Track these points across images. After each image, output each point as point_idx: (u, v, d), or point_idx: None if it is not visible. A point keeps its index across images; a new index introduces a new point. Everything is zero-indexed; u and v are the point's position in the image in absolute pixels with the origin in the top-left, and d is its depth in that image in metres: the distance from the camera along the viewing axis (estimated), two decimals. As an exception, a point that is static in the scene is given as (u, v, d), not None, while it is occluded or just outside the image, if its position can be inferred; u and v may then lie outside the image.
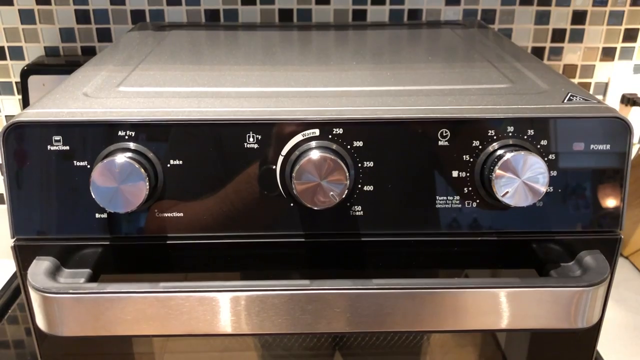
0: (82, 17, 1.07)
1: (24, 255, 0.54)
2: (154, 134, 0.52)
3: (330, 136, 0.52)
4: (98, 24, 1.07)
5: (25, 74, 1.02)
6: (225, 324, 0.51)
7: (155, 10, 1.06)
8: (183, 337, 0.70)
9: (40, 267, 0.53)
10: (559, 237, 0.56)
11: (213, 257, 0.56)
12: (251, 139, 0.53)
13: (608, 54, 1.09)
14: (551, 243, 0.56)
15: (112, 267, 0.55)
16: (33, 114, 0.52)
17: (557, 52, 1.09)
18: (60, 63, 1.08)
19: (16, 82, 1.11)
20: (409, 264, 0.56)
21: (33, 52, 1.09)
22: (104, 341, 0.61)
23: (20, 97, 1.11)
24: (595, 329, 0.58)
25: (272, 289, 0.51)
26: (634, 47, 1.09)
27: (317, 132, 0.52)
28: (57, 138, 0.52)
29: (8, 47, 1.08)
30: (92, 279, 0.55)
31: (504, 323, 0.53)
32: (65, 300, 0.50)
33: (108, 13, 1.06)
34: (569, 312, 0.52)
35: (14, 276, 1.01)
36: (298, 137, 0.52)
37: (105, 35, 1.08)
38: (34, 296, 0.51)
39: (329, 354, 0.78)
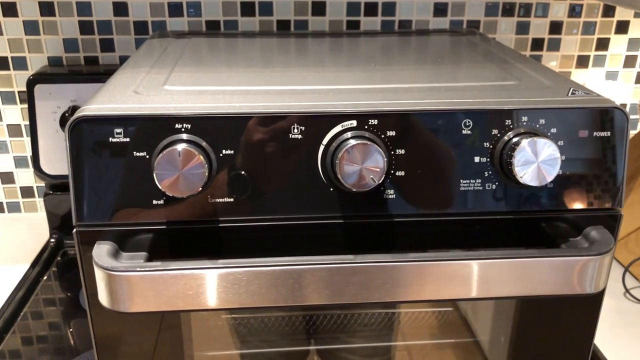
0: (85, 28, 1.09)
1: (84, 241, 0.58)
2: (208, 126, 0.57)
3: (366, 127, 0.58)
4: (101, 35, 1.10)
5: (31, 83, 1.03)
6: (278, 295, 0.56)
7: (158, 22, 1.10)
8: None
9: (102, 249, 0.57)
10: (567, 215, 0.62)
11: (260, 239, 0.60)
12: (295, 130, 0.58)
13: (582, 61, 1.18)
14: (560, 221, 0.63)
15: (166, 251, 0.59)
16: (95, 109, 0.57)
17: (537, 60, 1.17)
18: (63, 72, 1.10)
19: (19, 92, 1.12)
20: (435, 243, 0.62)
21: (36, 62, 1.11)
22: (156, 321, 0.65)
23: (22, 106, 1.13)
24: (601, 294, 0.65)
25: (321, 263, 0.56)
26: (606, 55, 1.18)
27: (354, 123, 0.58)
28: (119, 131, 0.56)
29: (12, 57, 1.10)
30: (149, 261, 0.59)
31: (524, 290, 0.59)
32: (131, 277, 0.54)
33: (111, 24, 1.09)
34: (579, 279, 0.59)
35: (16, 288, 1.00)
36: (337, 128, 0.58)
37: (108, 46, 1.11)
38: (100, 275, 0.55)
39: (304, 341, 0.84)
